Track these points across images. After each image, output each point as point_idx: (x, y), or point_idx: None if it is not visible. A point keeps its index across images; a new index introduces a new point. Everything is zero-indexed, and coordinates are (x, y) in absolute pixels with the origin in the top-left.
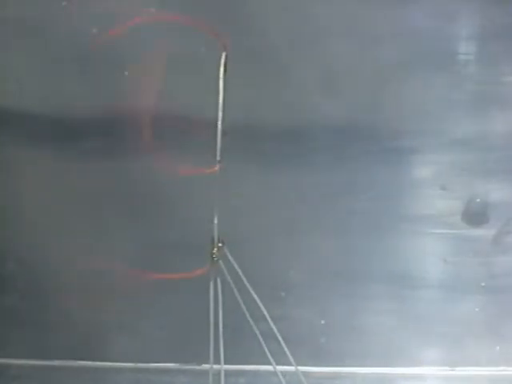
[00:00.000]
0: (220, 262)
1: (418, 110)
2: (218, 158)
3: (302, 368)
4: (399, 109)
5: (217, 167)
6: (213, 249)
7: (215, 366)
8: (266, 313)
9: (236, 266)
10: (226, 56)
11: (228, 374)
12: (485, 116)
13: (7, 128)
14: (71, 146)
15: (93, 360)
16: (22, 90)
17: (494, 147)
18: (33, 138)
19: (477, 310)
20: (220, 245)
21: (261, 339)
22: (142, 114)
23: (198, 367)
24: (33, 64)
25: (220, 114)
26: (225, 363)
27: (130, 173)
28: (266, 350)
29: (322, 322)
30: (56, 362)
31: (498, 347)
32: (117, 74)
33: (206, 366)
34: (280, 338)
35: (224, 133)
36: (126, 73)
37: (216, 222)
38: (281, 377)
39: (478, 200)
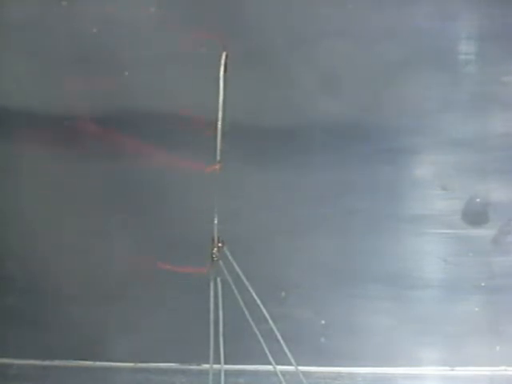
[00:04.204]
0: (220, 262)
1: (418, 109)
2: (218, 158)
3: (302, 368)
4: (399, 109)
5: (217, 167)
6: (213, 249)
7: (215, 366)
8: (266, 313)
9: (236, 266)
10: (226, 56)
11: (228, 373)
12: (485, 116)
13: (7, 128)
14: (71, 146)
15: (93, 360)
16: (22, 90)
17: (494, 147)
18: (33, 137)
19: (477, 309)
20: (220, 245)
21: (261, 339)
22: (141, 113)
23: (197, 367)
24: (33, 64)
25: (220, 113)
26: (225, 363)
27: (130, 173)
28: (266, 349)
29: (322, 322)
30: (56, 362)
31: (498, 347)
32: (117, 74)
33: (205, 366)
34: (280, 338)
35: (223, 133)
36: (126, 73)
37: (216, 222)
38: (281, 377)
39: (478, 200)
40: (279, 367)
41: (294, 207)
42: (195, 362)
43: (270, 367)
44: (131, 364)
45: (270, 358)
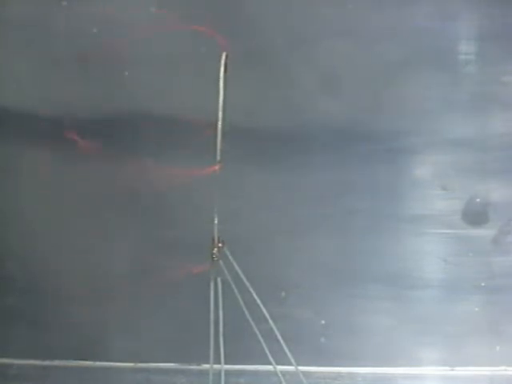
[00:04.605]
0: (220, 261)
1: (418, 110)
2: (218, 158)
3: (302, 368)
4: (399, 109)
5: (217, 167)
6: (213, 249)
7: (215, 366)
8: (266, 313)
9: (236, 266)
10: (226, 56)
11: (228, 373)
12: (485, 116)
13: (7, 128)
14: (71, 146)
15: (93, 360)
16: (22, 90)
17: (494, 147)
18: (33, 138)
19: (477, 309)
20: (220, 245)
21: (261, 339)
22: (141, 114)
23: (197, 367)
24: (33, 64)
25: (220, 113)
26: (225, 363)
27: (130, 173)
28: (266, 349)
29: (322, 322)
30: (56, 362)
31: (498, 347)
32: (117, 74)
33: (205, 366)
34: (280, 338)
35: (223, 133)
36: (126, 73)
37: (216, 222)
38: (281, 377)
39: (478, 200)
40: (279, 367)
41: (294, 207)
42: (195, 362)
43: (270, 367)
44: (131, 364)
45: (270, 358)
